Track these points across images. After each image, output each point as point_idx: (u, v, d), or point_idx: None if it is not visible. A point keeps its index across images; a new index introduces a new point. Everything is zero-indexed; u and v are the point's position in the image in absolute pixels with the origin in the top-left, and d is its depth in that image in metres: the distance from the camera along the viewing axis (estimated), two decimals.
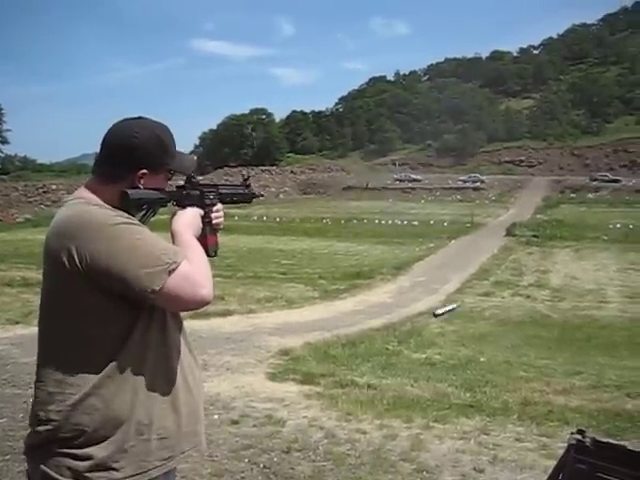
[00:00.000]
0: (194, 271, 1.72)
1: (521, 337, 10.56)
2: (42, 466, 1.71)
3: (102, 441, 1.70)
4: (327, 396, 6.12)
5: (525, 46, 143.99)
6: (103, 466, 1.69)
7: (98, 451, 1.69)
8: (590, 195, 62.45)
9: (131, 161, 1.79)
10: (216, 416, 5.30)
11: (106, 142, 1.82)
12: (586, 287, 16.92)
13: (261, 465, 4.33)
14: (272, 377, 7.00)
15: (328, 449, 4.65)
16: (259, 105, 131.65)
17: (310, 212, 46.66)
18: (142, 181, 1.81)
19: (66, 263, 1.65)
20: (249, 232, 30.37)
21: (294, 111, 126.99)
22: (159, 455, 1.77)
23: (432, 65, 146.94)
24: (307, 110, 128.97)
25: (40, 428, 1.73)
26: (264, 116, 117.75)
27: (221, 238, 2.05)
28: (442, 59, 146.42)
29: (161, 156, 1.84)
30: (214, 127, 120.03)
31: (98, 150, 1.84)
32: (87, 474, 1.68)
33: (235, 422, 5.26)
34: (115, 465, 1.70)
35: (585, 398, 6.44)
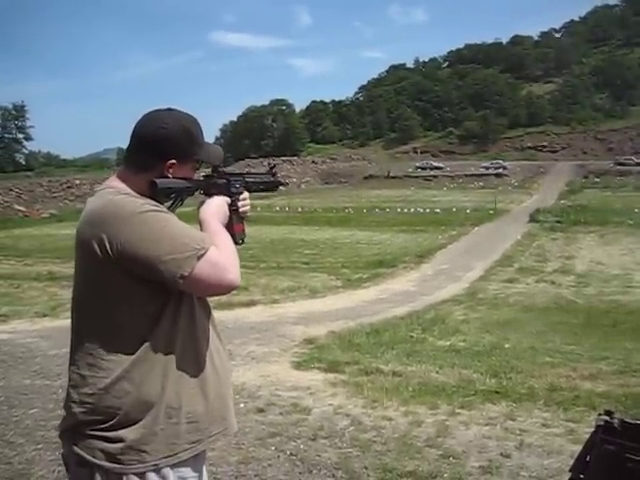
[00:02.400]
0: (222, 257, 1.75)
1: (546, 323, 10.48)
2: (75, 447, 1.76)
3: (133, 424, 1.74)
4: (352, 384, 6.12)
5: (546, 30, 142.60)
6: (134, 448, 1.73)
7: (129, 434, 1.73)
8: (617, 179, 61.61)
9: (160, 152, 1.82)
10: (242, 405, 5.33)
11: (136, 133, 1.86)
12: (612, 272, 16.76)
13: (288, 452, 4.35)
14: (297, 366, 7.02)
15: (354, 436, 4.66)
16: (279, 96, 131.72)
17: (332, 202, 46.66)
18: (171, 171, 1.85)
19: (98, 251, 1.70)
20: (272, 223, 30.47)
21: (314, 101, 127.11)
22: (188, 438, 1.81)
23: (452, 51, 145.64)
24: (327, 100, 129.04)
25: (74, 410, 1.77)
26: (284, 107, 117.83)
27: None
28: (462, 45, 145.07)
29: (189, 147, 1.87)
30: (234, 119, 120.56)
31: (129, 140, 1.88)
32: (119, 456, 1.72)
33: (261, 410, 5.28)
34: (146, 447, 1.74)
35: (612, 383, 6.37)
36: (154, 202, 1.78)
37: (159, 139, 1.82)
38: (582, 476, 2.10)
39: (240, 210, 2.03)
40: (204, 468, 1.97)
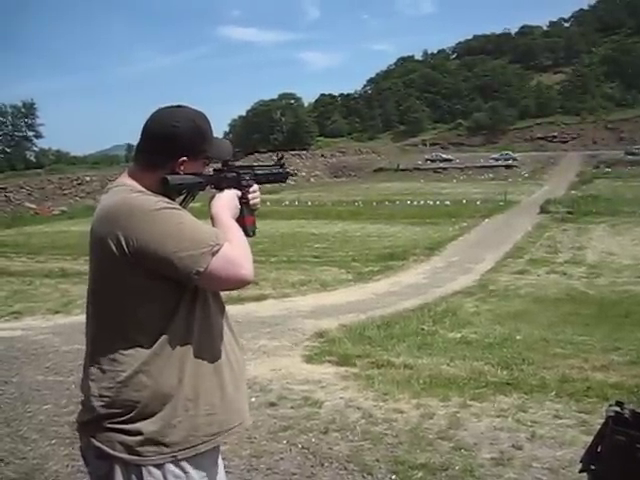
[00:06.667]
0: (235, 253, 1.78)
1: (558, 314, 10.43)
2: (94, 440, 1.79)
3: (151, 416, 1.77)
4: (363, 377, 6.12)
5: (555, 19, 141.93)
6: (153, 441, 1.76)
7: (147, 426, 1.76)
8: (628, 168, 61.15)
9: (172, 149, 1.84)
10: (254, 399, 5.34)
11: (147, 130, 1.87)
12: (623, 262, 16.65)
13: (299, 446, 4.36)
14: (308, 359, 7.02)
15: (366, 429, 4.66)
16: (287, 90, 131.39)
17: (342, 195, 46.62)
18: (182, 168, 1.87)
19: (113, 248, 1.72)
20: (282, 217, 30.45)
21: (322, 94, 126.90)
22: (207, 430, 1.83)
23: (460, 43, 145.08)
24: (336, 93, 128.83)
25: (93, 404, 1.80)
26: (293, 101, 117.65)
27: None
28: (470, 36, 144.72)
29: (200, 144, 1.89)
30: (243, 113, 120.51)
31: (139, 138, 1.89)
32: (138, 448, 1.75)
33: (273, 404, 5.29)
34: (164, 440, 1.77)
35: (624, 374, 6.34)
36: (167, 199, 1.80)
37: (171, 137, 1.83)
38: (593, 467, 2.10)
39: (250, 203, 2.05)
40: (220, 461, 2.00)
